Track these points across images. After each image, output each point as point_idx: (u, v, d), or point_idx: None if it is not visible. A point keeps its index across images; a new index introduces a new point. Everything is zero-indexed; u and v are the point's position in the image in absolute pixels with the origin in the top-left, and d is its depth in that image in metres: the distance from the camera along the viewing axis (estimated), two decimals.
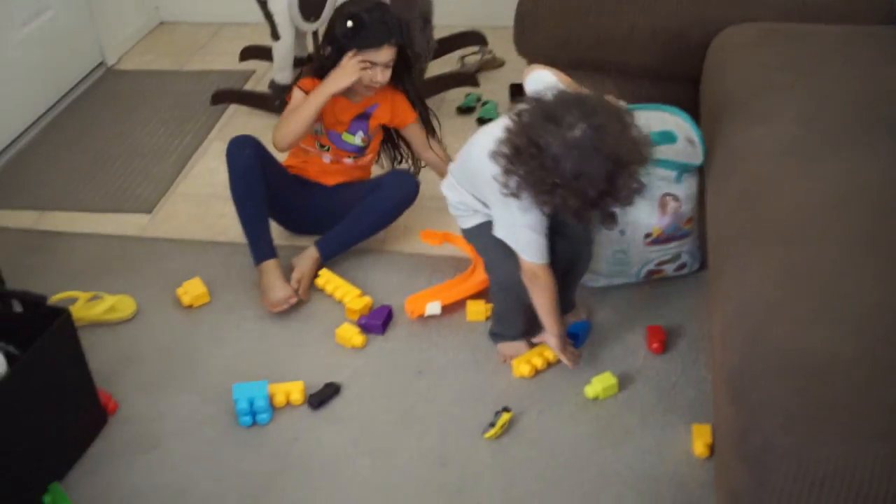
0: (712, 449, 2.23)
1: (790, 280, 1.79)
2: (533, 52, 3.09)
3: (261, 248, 2.87)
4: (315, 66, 2.99)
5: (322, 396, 2.50)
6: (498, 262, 2.48)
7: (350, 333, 2.68)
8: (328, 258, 2.95)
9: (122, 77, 4.36)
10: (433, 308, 2.73)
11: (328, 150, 3.03)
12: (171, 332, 2.78)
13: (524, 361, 2.55)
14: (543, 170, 2.05)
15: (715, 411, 1.87)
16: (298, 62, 3.96)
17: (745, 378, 1.65)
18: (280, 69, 3.84)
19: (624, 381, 2.49)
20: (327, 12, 3.66)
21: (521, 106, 2.13)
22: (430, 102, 3.70)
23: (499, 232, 2.36)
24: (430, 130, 3.07)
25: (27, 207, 3.40)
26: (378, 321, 2.72)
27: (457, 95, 3.87)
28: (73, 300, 2.80)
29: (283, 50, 3.79)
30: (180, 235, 3.20)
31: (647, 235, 2.64)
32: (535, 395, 2.49)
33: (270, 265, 2.85)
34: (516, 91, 3.11)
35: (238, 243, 3.09)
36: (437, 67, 3.96)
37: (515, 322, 2.59)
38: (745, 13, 2.90)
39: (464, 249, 2.88)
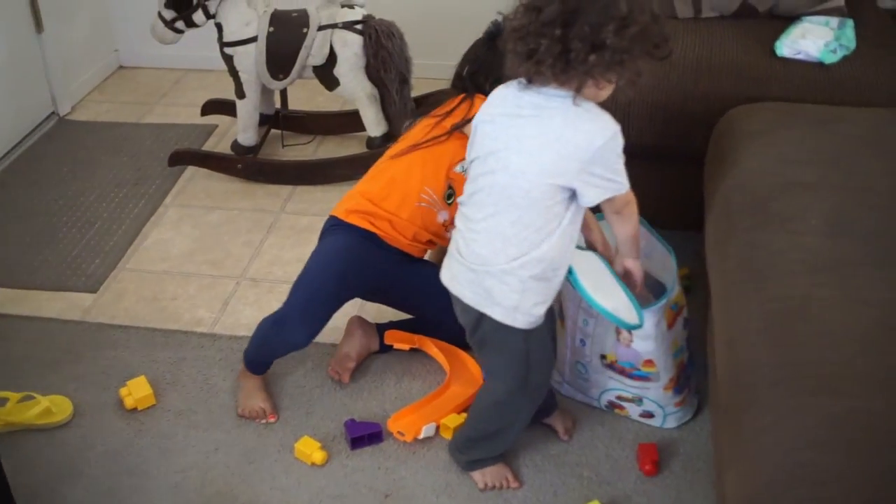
0: None
1: (838, 445, 1.52)
2: None
3: (265, 366, 2.60)
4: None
5: None
6: (513, 369, 2.14)
7: (310, 449, 2.39)
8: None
9: (75, 128, 4.05)
10: (429, 430, 2.45)
11: (451, 201, 2.55)
12: (111, 442, 2.47)
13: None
14: (602, 22, 1.79)
15: None
16: (265, 120, 3.70)
17: None
18: (244, 130, 3.58)
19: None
20: (296, 70, 3.40)
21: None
22: None
23: (591, 195, 1.94)
24: None
25: None
26: (364, 433, 2.44)
27: None
28: (3, 401, 2.52)
29: (249, 109, 3.54)
30: (127, 321, 2.90)
31: (603, 357, 2.37)
32: None
33: (263, 378, 2.59)
34: None
35: (192, 332, 2.82)
36: None
37: (505, 441, 2.30)
38: (755, 90, 2.68)
39: (434, 355, 2.63)
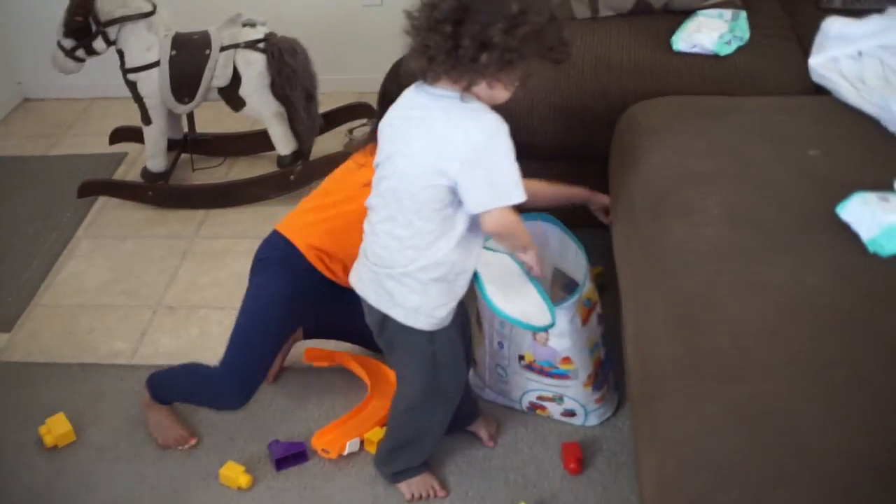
0: None
1: (740, 429, 1.55)
2: None
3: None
4: None
5: None
6: (420, 372, 2.13)
7: (235, 473, 2.37)
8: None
9: None
10: (353, 446, 2.44)
11: None
12: (32, 481, 2.44)
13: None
14: (492, 21, 1.76)
15: None
16: (173, 145, 3.67)
17: None
18: (153, 156, 3.55)
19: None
20: (201, 93, 3.38)
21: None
22: (318, 184, 3.47)
23: (477, 198, 1.89)
24: None
25: None
26: (288, 453, 2.43)
27: None
28: None
29: (156, 135, 3.51)
30: (45, 358, 2.85)
31: (521, 358, 2.39)
32: None
33: (171, 407, 2.56)
34: None
35: (108, 365, 2.79)
36: (325, 143, 3.69)
37: (424, 448, 2.30)
38: (653, 86, 2.72)
39: (354, 370, 2.63)
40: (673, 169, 2.26)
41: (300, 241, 2.43)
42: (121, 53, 3.40)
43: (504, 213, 1.91)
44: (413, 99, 1.94)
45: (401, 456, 2.30)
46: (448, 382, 2.18)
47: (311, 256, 2.41)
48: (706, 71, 2.74)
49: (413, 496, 2.31)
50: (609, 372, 2.51)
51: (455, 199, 1.91)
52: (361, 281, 2.10)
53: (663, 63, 2.78)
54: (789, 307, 1.78)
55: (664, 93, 2.67)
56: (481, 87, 1.85)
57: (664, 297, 1.92)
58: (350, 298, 2.21)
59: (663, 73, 2.76)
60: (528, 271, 2.21)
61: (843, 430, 1.52)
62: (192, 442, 2.50)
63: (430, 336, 2.07)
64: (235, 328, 2.41)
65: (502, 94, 1.89)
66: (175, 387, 2.53)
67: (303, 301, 2.45)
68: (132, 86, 3.43)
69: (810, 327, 1.73)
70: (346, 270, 2.26)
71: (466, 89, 1.84)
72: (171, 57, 3.36)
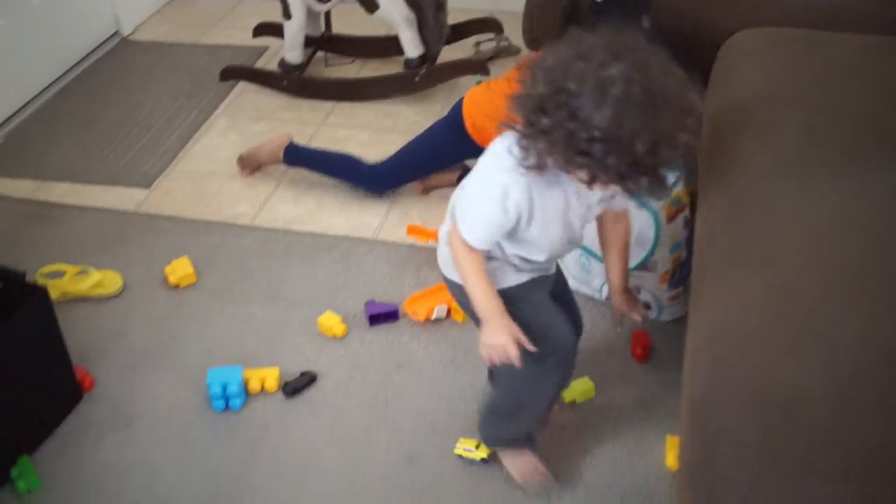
0: None
1: (767, 308, 1.70)
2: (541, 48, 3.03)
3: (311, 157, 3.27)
4: None
5: (297, 385, 2.47)
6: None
7: (332, 322, 2.64)
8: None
9: (136, 48, 4.34)
10: (440, 312, 2.68)
11: None
12: (154, 312, 2.76)
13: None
14: (575, 121, 1.61)
15: (680, 436, 1.81)
16: (311, 41, 3.93)
17: (707, 407, 1.58)
18: (290, 48, 3.82)
19: (602, 386, 2.44)
20: None
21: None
22: (441, 88, 3.70)
23: (460, 193, 1.96)
24: None
25: (27, 177, 3.39)
26: (381, 312, 2.69)
27: (468, 83, 3.82)
28: (61, 273, 2.80)
29: (294, 29, 3.77)
30: (175, 213, 3.18)
31: None
32: None
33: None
34: None
35: (231, 224, 3.09)
36: (452, 53, 3.91)
37: (526, 417, 2.19)
38: (760, 17, 2.82)
39: None
40: (760, 90, 2.39)
41: (466, 109, 2.96)
42: None
43: (461, 242, 1.90)
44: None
45: (503, 423, 2.21)
46: (541, 349, 1.98)
47: (467, 123, 2.94)
48: (812, 5, 2.84)
49: (518, 476, 2.22)
50: (687, 275, 2.68)
51: None
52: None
53: None
54: (841, 218, 1.89)
55: (770, 24, 2.78)
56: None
57: (728, 200, 2.06)
58: None
59: (770, 3, 2.86)
60: None
61: (867, 322, 1.63)
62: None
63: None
64: (408, 144, 3.12)
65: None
66: (315, 156, 3.24)
67: (453, 153, 3.06)
68: None
69: (857, 236, 1.84)
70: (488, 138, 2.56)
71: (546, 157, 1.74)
72: None
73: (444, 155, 3.09)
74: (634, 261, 2.49)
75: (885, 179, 2.00)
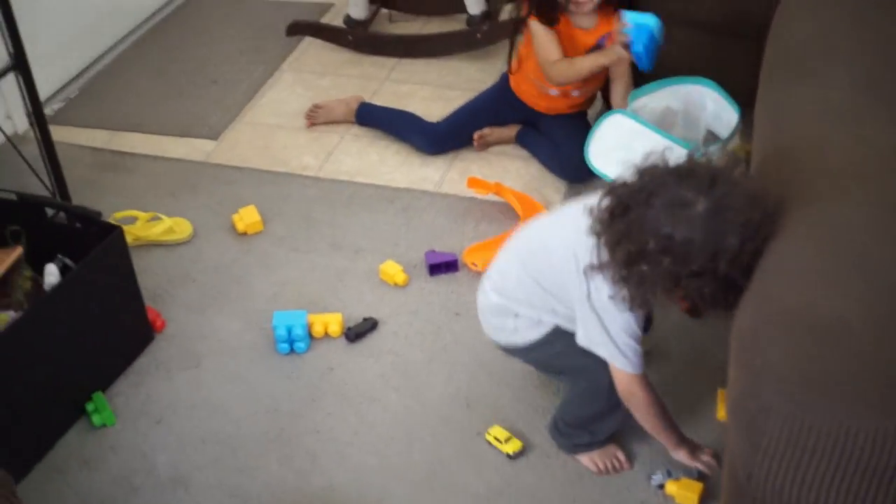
0: None
1: (812, 244, 1.73)
2: None
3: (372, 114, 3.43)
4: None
5: (359, 330, 2.56)
6: (592, 366, 2.06)
7: (394, 270, 2.72)
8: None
9: (204, 3, 4.40)
10: None
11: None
12: (222, 257, 2.86)
13: None
14: (678, 263, 1.72)
15: (728, 372, 1.87)
16: None
17: (753, 339, 1.62)
18: (355, 4, 3.88)
19: (656, 342, 2.48)
20: None
21: (607, 201, 1.83)
22: (503, 45, 3.72)
23: (588, 337, 2.02)
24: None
25: (101, 127, 3.50)
26: (441, 261, 2.76)
27: None
28: (133, 220, 2.90)
29: None
30: (242, 163, 3.27)
31: None
32: None
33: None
34: None
35: (297, 175, 3.17)
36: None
37: (609, 424, 2.20)
38: None
39: (509, 200, 2.93)
40: (816, 39, 2.41)
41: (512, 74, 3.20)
42: None
43: (629, 381, 2.05)
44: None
45: (583, 432, 2.22)
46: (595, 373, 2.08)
47: (512, 82, 3.19)
48: None
49: (598, 468, 2.22)
50: None
51: None
52: None
53: None
54: (887, 161, 1.92)
55: None
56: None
57: (776, 145, 2.10)
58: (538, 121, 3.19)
59: None
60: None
61: None
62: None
63: (545, 339, 2.16)
64: (463, 106, 3.30)
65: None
66: (385, 115, 3.38)
67: (499, 110, 3.26)
68: None
69: None
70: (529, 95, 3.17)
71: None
72: None
73: (494, 111, 3.26)
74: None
75: None
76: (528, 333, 2.16)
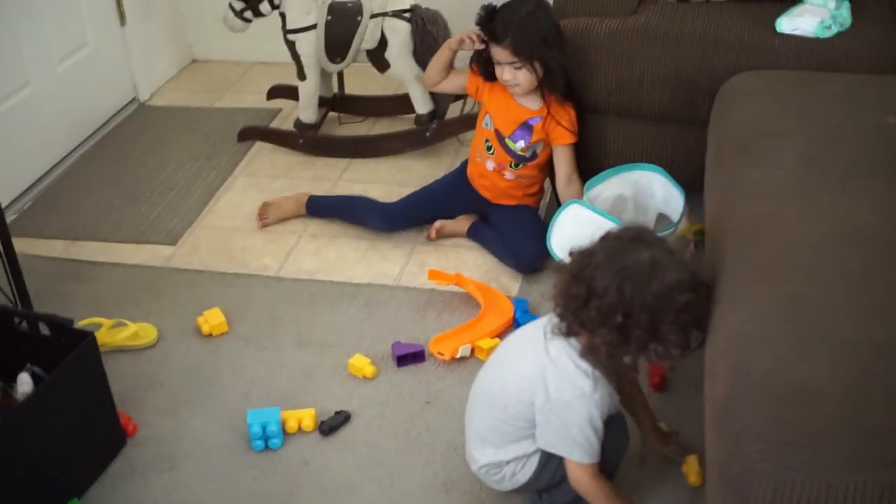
0: (704, 476, 2.31)
1: (776, 316, 1.84)
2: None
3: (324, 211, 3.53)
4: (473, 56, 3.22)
5: (333, 423, 2.59)
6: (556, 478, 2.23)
7: (362, 363, 2.77)
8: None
9: (154, 112, 4.50)
10: (465, 351, 2.80)
11: (492, 152, 3.21)
12: (190, 359, 2.88)
13: None
14: (656, 337, 1.98)
15: (705, 440, 1.94)
16: (324, 102, 4.09)
17: (728, 408, 1.71)
18: (305, 108, 3.97)
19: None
20: (352, 54, 3.79)
21: (559, 278, 2.09)
22: (451, 143, 3.86)
23: (544, 440, 2.15)
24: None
25: (58, 237, 3.52)
26: (408, 352, 2.81)
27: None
28: (98, 326, 2.91)
29: (309, 90, 3.93)
30: (203, 267, 3.31)
31: None
32: None
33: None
34: None
35: (258, 275, 3.22)
36: (459, 107, 4.05)
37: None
38: (755, 62, 2.99)
39: (470, 291, 3.01)
40: (759, 124, 2.55)
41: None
42: (283, 16, 3.83)
43: (582, 472, 2.14)
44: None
45: None
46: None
47: (468, 169, 3.35)
48: (804, 50, 3.00)
49: None
50: None
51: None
52: None
53: (766, 42, 3.03)
54: (841, 235, 2.04)
55: (764, 68, 2.95)
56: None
57: (733, 222, 2.22)
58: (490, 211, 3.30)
59: (765, 50, 3.01)
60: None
61: (867, 324, 1.78)
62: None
63: (542, 460, 2.24)
64: (418, 191, 3.44)
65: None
66: (336, 202, 3.52)
67: (453, 195, 3.37)
68: (291, 45, 3.86)
69: (857, 251, 1.99)
70: (476, 177, 3.31)
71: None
72: (326, 21, 3.77)
73: (448, 196, 3.38)
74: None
75: (877, 196, 2.17)
76: (527, 468, 2.24)
